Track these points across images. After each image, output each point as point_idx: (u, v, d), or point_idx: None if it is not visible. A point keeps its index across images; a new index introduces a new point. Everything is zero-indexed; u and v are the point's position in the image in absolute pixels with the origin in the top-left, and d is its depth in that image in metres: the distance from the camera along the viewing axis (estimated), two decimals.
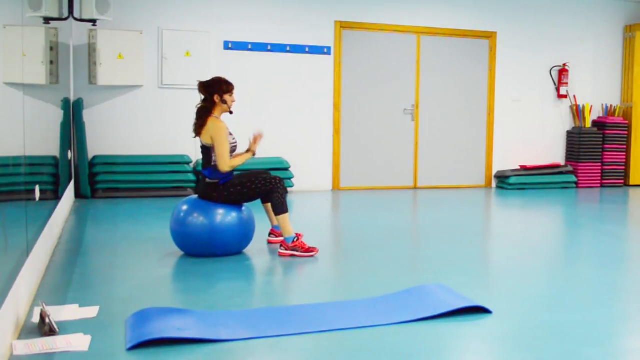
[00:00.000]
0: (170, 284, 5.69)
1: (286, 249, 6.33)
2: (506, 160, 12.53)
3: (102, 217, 8.63)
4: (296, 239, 6.34)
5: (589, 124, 12.78)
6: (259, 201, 6.69)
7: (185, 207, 6.33)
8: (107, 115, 10.16)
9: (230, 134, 6.38)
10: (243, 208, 6.39)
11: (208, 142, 6.28)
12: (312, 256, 6.28)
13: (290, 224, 6.39)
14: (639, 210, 10.79)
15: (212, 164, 6.32)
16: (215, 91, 6.34)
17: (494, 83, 12.37)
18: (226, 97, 6.35)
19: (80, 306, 4.66)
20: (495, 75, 12.36)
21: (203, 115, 6.34)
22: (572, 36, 12.79)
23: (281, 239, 6.56)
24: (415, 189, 11.97)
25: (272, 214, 6.65)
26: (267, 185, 6.31)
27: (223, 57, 10.68)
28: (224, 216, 6.23)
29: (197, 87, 6.45)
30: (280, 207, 6.31)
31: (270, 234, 6.91)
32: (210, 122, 6.27)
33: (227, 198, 6.29)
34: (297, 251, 6.28)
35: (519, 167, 12.46)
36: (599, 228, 8.72)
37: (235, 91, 6.42)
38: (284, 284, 5.88)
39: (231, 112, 6.46)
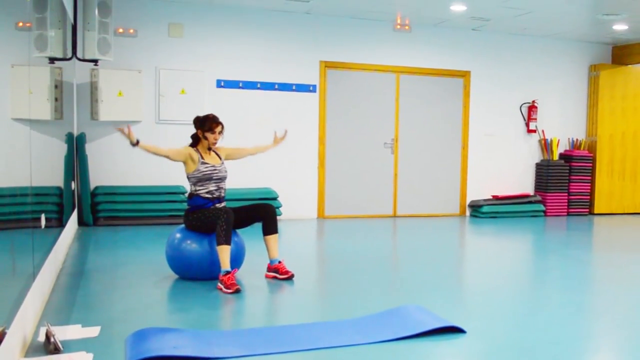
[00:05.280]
0: (166, 305, 5.71)
1: (219, 279, 6.09)
2: (479, 191, 12.59)
3: (103, 243, 8.62)
4: (224, 273, 6.02)
5: (556, 157, 12.89)
6: (254, 229, 6.77)
7: (179, 235, 6.42)
8: (107, 149, 10.18)
9: (205, 164, 6.45)
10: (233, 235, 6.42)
11: (187, 171, 6.49)
12: (229, 293, 5.87)
13: (228, 258, 6.08)
14: (603, 237, 10.87)
15: (190, 191, 6.52)
16: (198, 127, 6.57)
17: (468, 118, 12.46)
18: (207, 134, 6.49)
19: (82, 326, 4.67)
20: (469, 111, 12.46)
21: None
22: (540, 75, 12.93)
23: (273, 274, 6.59)
24: (394, 217, 12.01)
25: (271, 248, 6.60)
26: (213, 219, 6.23)
27: (216, 95, 10.75)
28: (213, 242, 6.28)
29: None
30: (217, 238, 6.11)
31: (268, 269, 6.65)
32: None
33: (190, 224, 6.41)
34: (222, 285, 5.99)
35: (491, 197, 12.53)
36: (566, 253, 8.77)
37: (220, 129, 6.51)
38: (273, 305, 5.90)
39: (209, 148, 6.56)
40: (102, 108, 9.90)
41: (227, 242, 6.10)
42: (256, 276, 6.57)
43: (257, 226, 6.73)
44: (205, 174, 6.43)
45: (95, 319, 4.93)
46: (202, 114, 6.67)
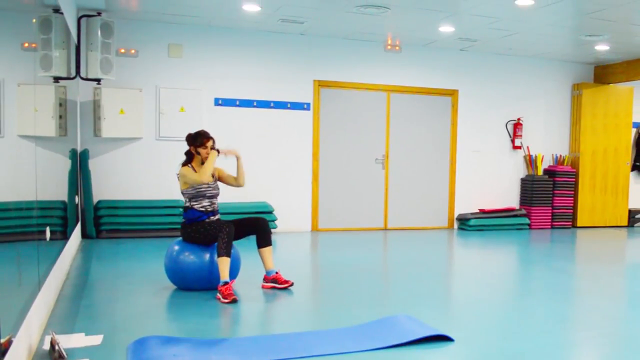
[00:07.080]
0: (166, 314, 5.72)
1: (218, 289, 6.11)
2: (467, 204, 12.63)
3: (105, 255, 8.62)
4: (223, 284, 6.05)
5: (540, 172, 12.94)
6: (248, 241, 6.78)
7: (176, 247, 6.45)
8: (110, 164, 10.20)
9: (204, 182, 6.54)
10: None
11: (182, 188, 6.56)
12: (226, 303, 5.90)
13: (227, 270, 6.12)
14: (585, 249, 10.90)
15: (185, 205, 6.59)
16: (190, 144, 6.65)
17: (456, 135, 12.51)
18: (200, 149, 6.58)
19: (86, 335, 4.69)
20: (457, 129, 12.51)
21: (182, 165, 6.66)
22: (525, 93, 12.99)
23: (271, 284, 6.60)
24: (385, 230, 12.04)
25: (266, 259, 6.62)
26: (214, 231, 6.29)
27: (214, 112, 10.78)
28: (211, 254, 6.33)
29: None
30: (218, 250, 6.15)
31: (265, 280, 6.68)
32: (180, 171, 6.58)
33: (187, 236, 6.46)
34: (220, 295, 6.01)
35: (478, 211, 12.56)
36: (550, 265, 8.80)
37: (211, 144, 6.59)
38: (268, 314, 5.91)
39: (202, 163, 6.61)
40: (105, 125, 9.93)
41: (228, 254, 6.14)
42: (251, 287, 6.58)
43: (250, 239, 6.76)
44: (199, 191, 6.50)
45: (98, 327, 4.95)
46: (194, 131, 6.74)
